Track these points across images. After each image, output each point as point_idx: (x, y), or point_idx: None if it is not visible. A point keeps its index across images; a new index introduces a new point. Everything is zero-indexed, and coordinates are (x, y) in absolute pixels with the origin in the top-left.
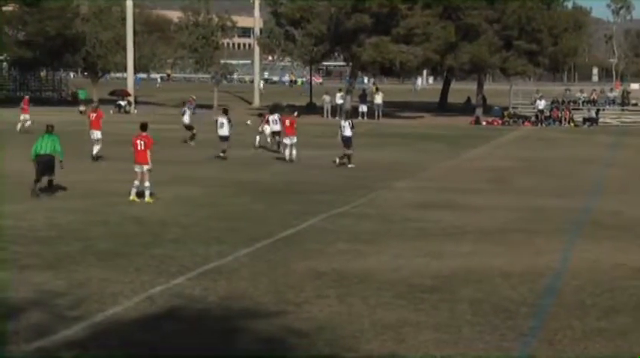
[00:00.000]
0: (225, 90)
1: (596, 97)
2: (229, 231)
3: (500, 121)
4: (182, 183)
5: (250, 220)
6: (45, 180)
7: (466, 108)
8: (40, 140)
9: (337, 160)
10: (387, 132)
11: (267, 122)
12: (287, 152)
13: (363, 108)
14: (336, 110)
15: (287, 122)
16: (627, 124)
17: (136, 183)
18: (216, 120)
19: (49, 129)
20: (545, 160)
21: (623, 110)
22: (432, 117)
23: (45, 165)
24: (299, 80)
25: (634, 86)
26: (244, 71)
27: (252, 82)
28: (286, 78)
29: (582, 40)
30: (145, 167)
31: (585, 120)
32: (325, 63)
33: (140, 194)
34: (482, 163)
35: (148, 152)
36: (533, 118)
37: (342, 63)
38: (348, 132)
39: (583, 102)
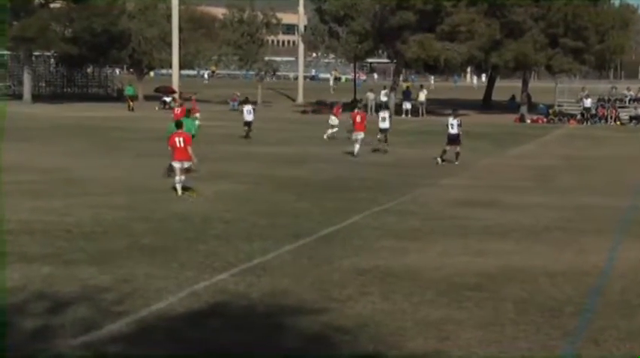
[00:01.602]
0: (269, 87)
1: None
2: (272, 228)
3: (545, 119)
4: (224, 179)
5: (293, 217)
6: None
7: (511, 106)
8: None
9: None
10: (431, 130)
11: (335, 114)
12: (356, 147)
13: (407, 105)
14: (380, 107)
15: (358, 118)
16: None
17: (177, 178)
18: (242, 110)
19: (187, 114)
20: (590, 158)
21: None
22: (476, 114)
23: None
24: (343, 77)
25: None
26: (288, 68)
27: (296, 78)
28: (324, 74)
29: (629, 37)
30: (186, 164)
31: (632, 118)
32: (369, 60)
33: (185, 188)
34: (526, 161)
35: (189, 148)
36: (578, 116)
37: (386, 60)
38: (385, 125)
39: (629, 100)
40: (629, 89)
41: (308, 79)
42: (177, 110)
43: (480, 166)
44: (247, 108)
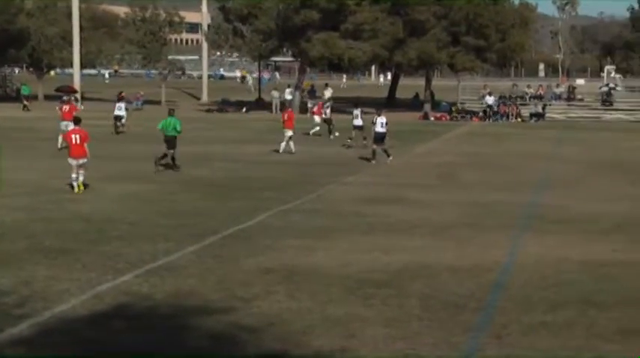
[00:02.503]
0: (173, 86)
1: (542, 93)
2: (176, 228)
3: (448, 117)
4: (127, 179)
5: (197, 217)
6: (170, 153)
7: (414, 104)
8: (164, 122)
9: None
10: (336, 128)
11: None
12: (283, 144)
13: (312, 103)
14: (284, 105)
15: (285, 116)
16: (573, 119)
17: (73, 176)
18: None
19: (171, 113)
20: (493, 155)
21: (569, 105)
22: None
23: (169, 142)
24: (247, 75)
25: (579, 81)
26: (192, 67)
27: (200, 77)
28: (220, 71)
29: (529, 36)
30: (81, 160)
31: (532, 115)
32: (274, 58)
33: (83, 185)
34: (431, 159)
35: (85, 145)
36: (481, 114)
37: (290, 58)
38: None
39: (530, 97)
40: (529, 86)
41: (212, 78)
42: (66, 108)
43: (384, 164)
44: (119, 104)
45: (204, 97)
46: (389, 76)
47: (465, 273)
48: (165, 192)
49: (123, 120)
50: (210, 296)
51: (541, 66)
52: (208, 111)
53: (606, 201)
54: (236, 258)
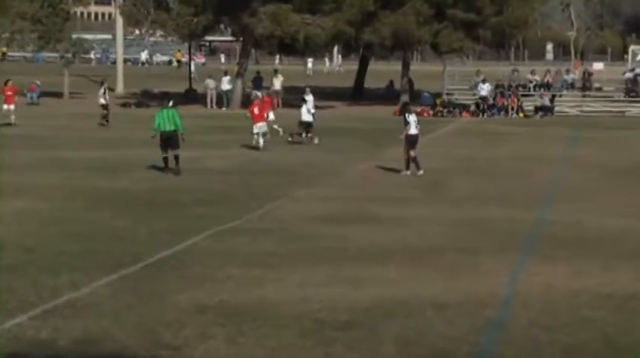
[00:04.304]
0: (79, 74)
1: (550, 80)
2: (86, 255)
3: (431, 111)
4: (23, 194)
5: (112, 240)
6: (171, 155)
7: (388, 95)
8: (160, 116)
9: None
10: (288, 126)
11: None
12: (261, 141)
13: (258, 95)
14: (222, 98)
15: (255, 109)
16: (589, 114)
17: None
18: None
19: (168, 105)
20: (488, 160)
21: (584, 96)
22: (345, 106)
23: (168, 141)
24: (173, 60)
25: (597, 66)
26: (104, 48)
27: (114, 62)
28: (144, 56)
29: (534, 8)
30: None
31: (537, 109)
32: (209, 38)
33: None
34: None
35: None
36: (472, 107)
37: (230, 38)
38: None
39: (535, 86)
40: (533, 73)
41: (130, 63)
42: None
43: (350, 172)
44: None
45: (120, 88)
46: (339, 59)
47: (454, 310)
48: (72, 210)
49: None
50: (129, 342)
51: (549, 46)
52: (125, 105)
53: (630, 217)
54: (162, 293)
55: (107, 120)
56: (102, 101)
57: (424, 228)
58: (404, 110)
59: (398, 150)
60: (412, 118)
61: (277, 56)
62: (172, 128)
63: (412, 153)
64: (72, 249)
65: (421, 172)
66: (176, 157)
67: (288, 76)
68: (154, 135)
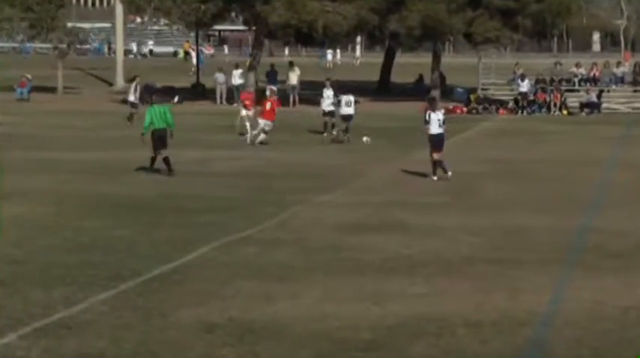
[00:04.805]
0: (75, 66)
1: (597, 74)
2: (81, 268)
3: (465, 108)
4: (12, 199)
5: (111, 252)
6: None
7: (417, 90)
8: (151, 111)
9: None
10: (306, 125)
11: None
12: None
13: (274, 90)
14: (232, 93)
15: (268, 105)
16: None
17: None
18: None
19: (156, 100)
20: (527, 162)
21: (635, 91)
22: (369, 102)
23: (161, 139)
24: (180, 51)
25: None
26: (102, 38)
27: (114, 53)
28: (162, 48)
29: None
30: None
31: (583, 105)
32: (218, 27)
33: None
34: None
35: None
36: (511, 104)
37: (242, 27)
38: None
39: (580, 80)
40: (578, 65)
41: (131, 55)
42: None
43: (375, 175)
44: None
45: (120, 82)
46: (358, 51)
47: (488, 329)
48: (65, 217)
49: None
50: None
51: (595, 36)
52: (125, 101)
53: None
54: (165, 310)
55: (132, 120)
56: (131, 98)
57: (455, 238)
58: (427, 106)
59: (426, 152)
60: (435, 116)
61: (286, 47)
62: (164, 126)
63: (436, 156)
64: (65, 261)
65: (449, 174)
66: (166, 159)
67: (303, 69)
68: (144, 133)
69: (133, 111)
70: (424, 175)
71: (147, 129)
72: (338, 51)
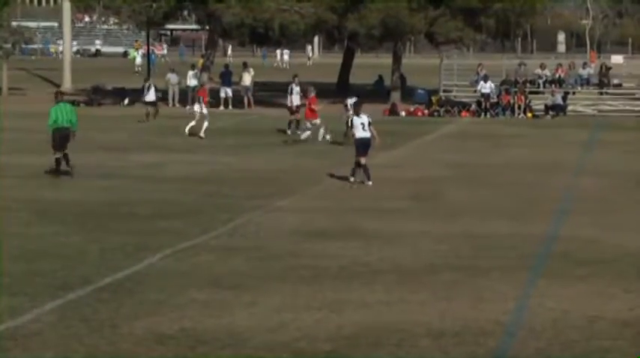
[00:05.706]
0: (20, 67)
1: (562, 75)
2: (28, 277)
3: (426, 111)
4: None
5: (58, 260)
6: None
7: (377, 92)
8: (57, 109)
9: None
10: (261, 128)
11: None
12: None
13: (227, 92)
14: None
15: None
16: (606, 114)
17: None
18: None
19: (61, 98)
20: (491, 167)
21: (601, 94)
22: (325, 105)
23: (64, 139)
24: (131, 52)
25: (616, 59)
26: (48, 38)
27: (62, 53)
28: (110, 48)
29: None
30: None
31: (548, 108)
32: (170, 26)
33: None
34: (401, 172)
35: None
36: (473, 106)
37: (195, 26)
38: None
39: (545, 82)
40: (543, 67)
41: (79, 55)
42: None
43: (332, 180)
44: None
45: (67, 83)
46: (313, 50)
47: (451, 339)
48: (11, 224)
49: None
50: None
51: (561, 36)
52: (73, 103)
53: None
54: (115, 321)
55: (147, 119)
56: (148, 98)
57: (417, 245)
58: (353, 109)
59: (388, 155)
60: (358, 120)
61: (229, 46)
62: (67, 125)
63: (362, 161)
64: (11, 269)
65: (370, 183)
66: (66, 156)
67: (257, 69)
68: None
69: (147, 110)
70: (386, 180)
71: (51, 127)
72: (286, 50)
